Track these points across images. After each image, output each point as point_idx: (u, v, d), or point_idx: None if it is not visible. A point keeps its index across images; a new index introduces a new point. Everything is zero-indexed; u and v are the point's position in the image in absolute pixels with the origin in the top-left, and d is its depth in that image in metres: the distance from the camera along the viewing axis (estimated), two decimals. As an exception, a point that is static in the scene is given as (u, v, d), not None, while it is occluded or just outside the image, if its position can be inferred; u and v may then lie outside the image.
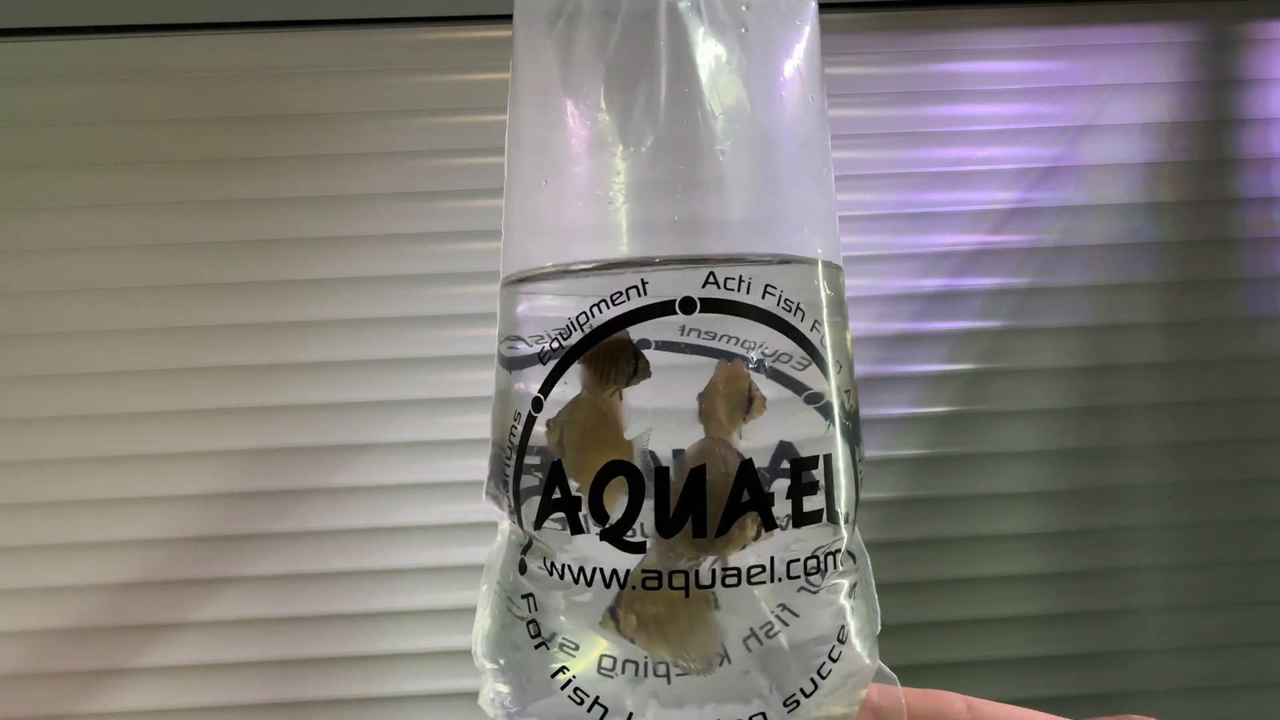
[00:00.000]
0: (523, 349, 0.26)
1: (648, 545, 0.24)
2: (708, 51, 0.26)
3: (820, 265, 0.26)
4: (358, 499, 0.63)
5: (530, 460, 0.25)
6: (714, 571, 0.24)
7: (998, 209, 0.65)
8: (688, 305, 0.24)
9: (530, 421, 0.25)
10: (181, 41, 0.63)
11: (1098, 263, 0.66)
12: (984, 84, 0.66)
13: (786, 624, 0.25)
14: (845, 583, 0.26)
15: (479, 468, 0.64)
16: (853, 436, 0.26)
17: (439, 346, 0.63)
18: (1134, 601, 0.65)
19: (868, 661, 0.26)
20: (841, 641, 0.25)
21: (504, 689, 0.26)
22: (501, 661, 0.26)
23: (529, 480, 0.25)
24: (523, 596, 0.25)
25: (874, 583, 0.27)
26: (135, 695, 0.61)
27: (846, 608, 0.26)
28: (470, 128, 0.64)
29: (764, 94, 0.26)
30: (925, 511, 0.64)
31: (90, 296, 0.62)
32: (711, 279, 0.24)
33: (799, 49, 0.27)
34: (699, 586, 0.24)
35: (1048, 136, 0.66)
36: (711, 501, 0.24)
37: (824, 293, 0.26)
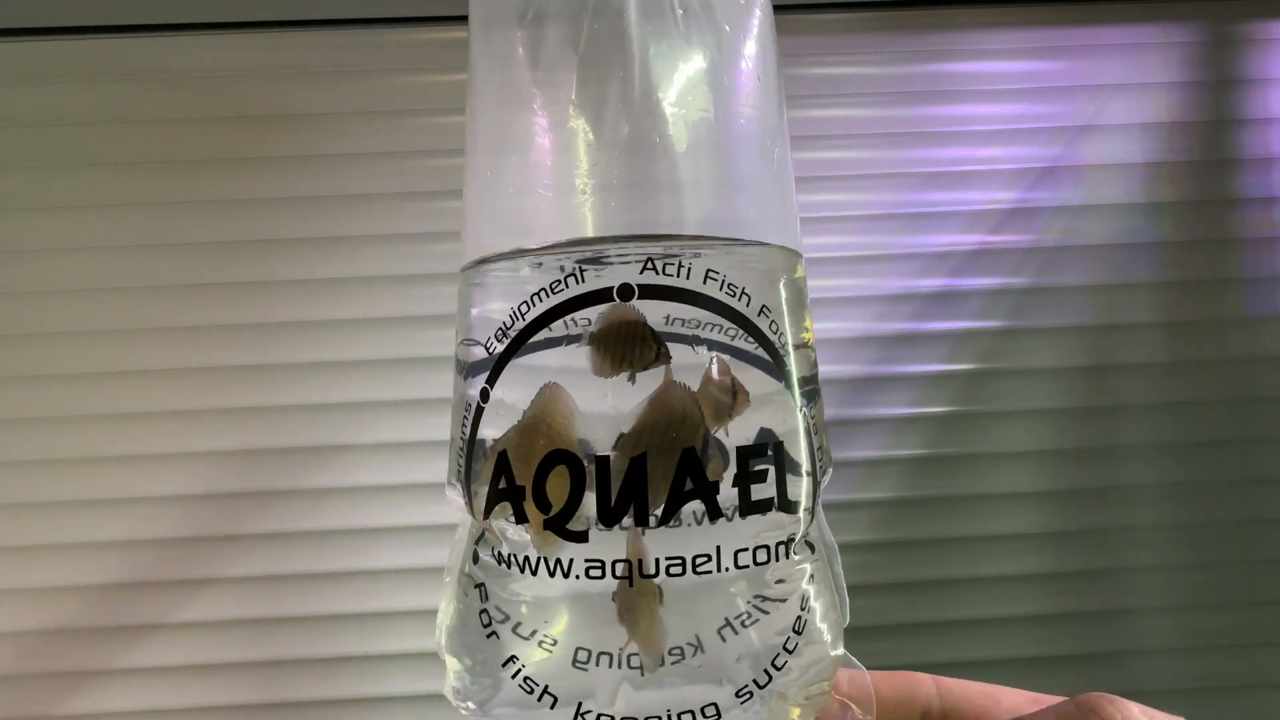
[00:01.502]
0: (472, 339, 0.26)
1: (589, 535, 0.24)
2: (646, 34, 0.25)
3: (771, 250, 0.26)
4: (358, 499, 0.63)
5: (479, 451, 0.25)
6: (657, 561, 0.24)
7: (997, 209, 0.65)
8: (626, 292, 0.24)
9: (479, 412, 0.25)
10: (181, 41, 0.63)
11: (1098, 263, 0.66)
12: (984, 84, 0.66)
13: (735, 615, 0.24)
14: (802, 573, 0.25)
15: None
16: (810, 424, 0.26)
17: (443, 346, 0.63)
18: (1134, 601, 0.65)
19: (831, 654, 0.26)
20: (798, 633, 0.25)
21: (462, 679, 0.26)
22: (459, 651, 0.26)
23: (478, 471, 0.25)
24: (475, 586, 0.25)
25: (842, 574, 0.27)
26: (130, 695, 0.61)
27: (803, 599, 0.25)
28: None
29: (709, 79, 0.26)
30: (925, 511, 0.64)
31: (90, 296, 0.62)
32: (650, 265, 0.24)
33: (749, 35, 0.27)
34: (642, 576, 0.24)
35: (1048, 136, 0.66)
36: (653, 490, 0.24)
37: (776, 278, 0.25)
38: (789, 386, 0.25)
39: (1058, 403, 0.65)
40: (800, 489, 0.25)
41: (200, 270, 0.63)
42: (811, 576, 0.26)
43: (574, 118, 0.25)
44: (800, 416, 0.25)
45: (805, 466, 0.25)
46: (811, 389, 0.26)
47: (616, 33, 0.25)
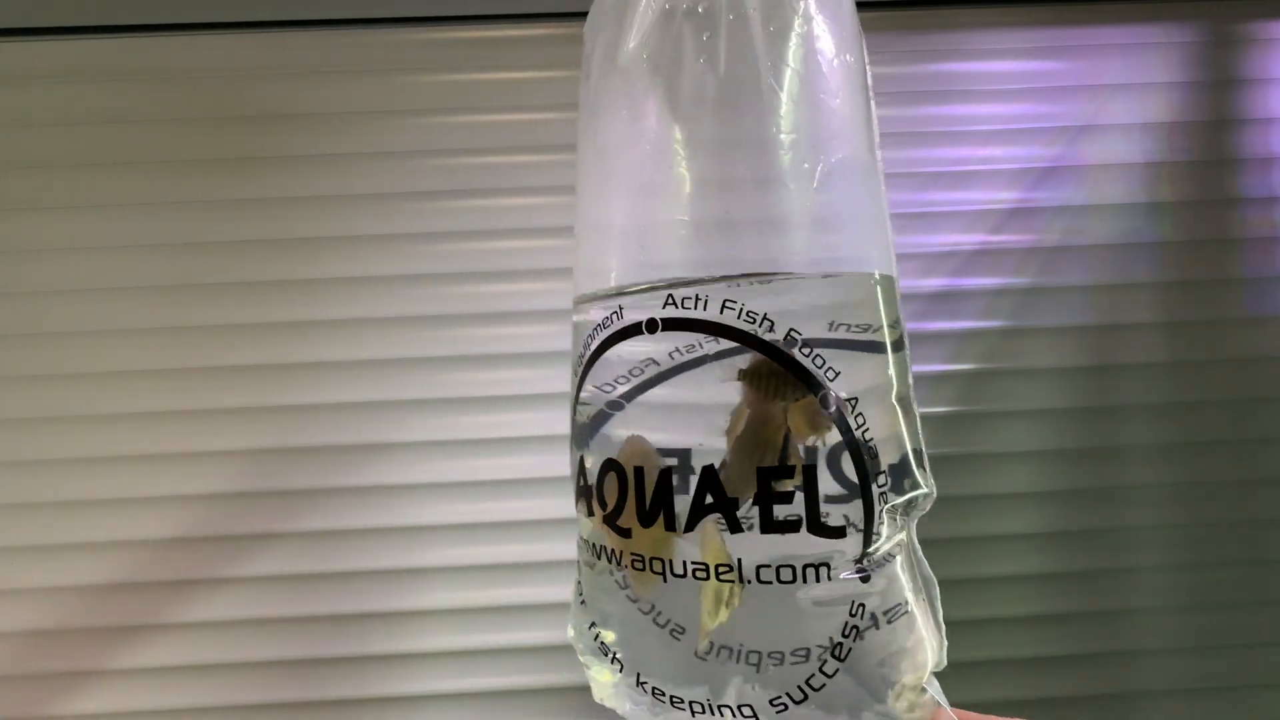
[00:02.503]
0: (573, 359, 0.30)
1: (632, 532, 0.27)
2: (769, 78, 0.27)
3: (832, 278, 0.27)
4: (363, 499, 0.63)
5: (572, 454, 0.30)
6: (684, 563, 0.26)
7: (998, 209, 0.65)
8: (651, 325, 0.27)
9: (571, 423, 0.30)
10: (181, 41, 0.63)
11: (1098, 263, 0.66)
12: (984, 84, 0.66)
13: (761, 627, 0.26)
14: (846, 596, 0.26)
15: (487, 467, 0.63)
16: (866, 445, 0.26)
17: (448, 346, 0.63)
18: (1134, 602, 0.65)
19: (905, 684, 0.26)
20: (839, 659, 0.25)
21: (572, 635, 0.30)
22: (572, 613, 0.30)
23: (572, 470, 0.30)
24: (576, 563, 0.30)
25: (940, 609, 0.26)
26: (149, 694, 0.61)
27: (845, 626, 0.25)
28: (470, 128, 0.64)
29: (821, 116, 0.27)
30: (926, 511, 0.64)
31: (90, 296, 0.62)
32: (670, 300, 0.26)
33: (854, 67, 0.28)
34: (673, 575, 0.26)
35: (1048, 136, 0.66)
36: (679, 499, 0.26)
37: (817, 302, 0.26)
38: (826, 409, 0.25)
39: (1058, 403, 0.65)
40: (845, 512, 0.25)
41: (199, 270, 0.63)
42: (862, 604, 0.26)
43: (667, 160, 0.27)
44: (845, 438, 0.25)
45: (854, 489, 0.25)
46: (870, 409, 0.26)
47: (738, 78, 0.27)
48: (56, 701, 0.61)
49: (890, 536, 0.26)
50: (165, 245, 0.63)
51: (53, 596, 0.61)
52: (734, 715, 0.26)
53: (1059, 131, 0.66)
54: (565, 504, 0.66)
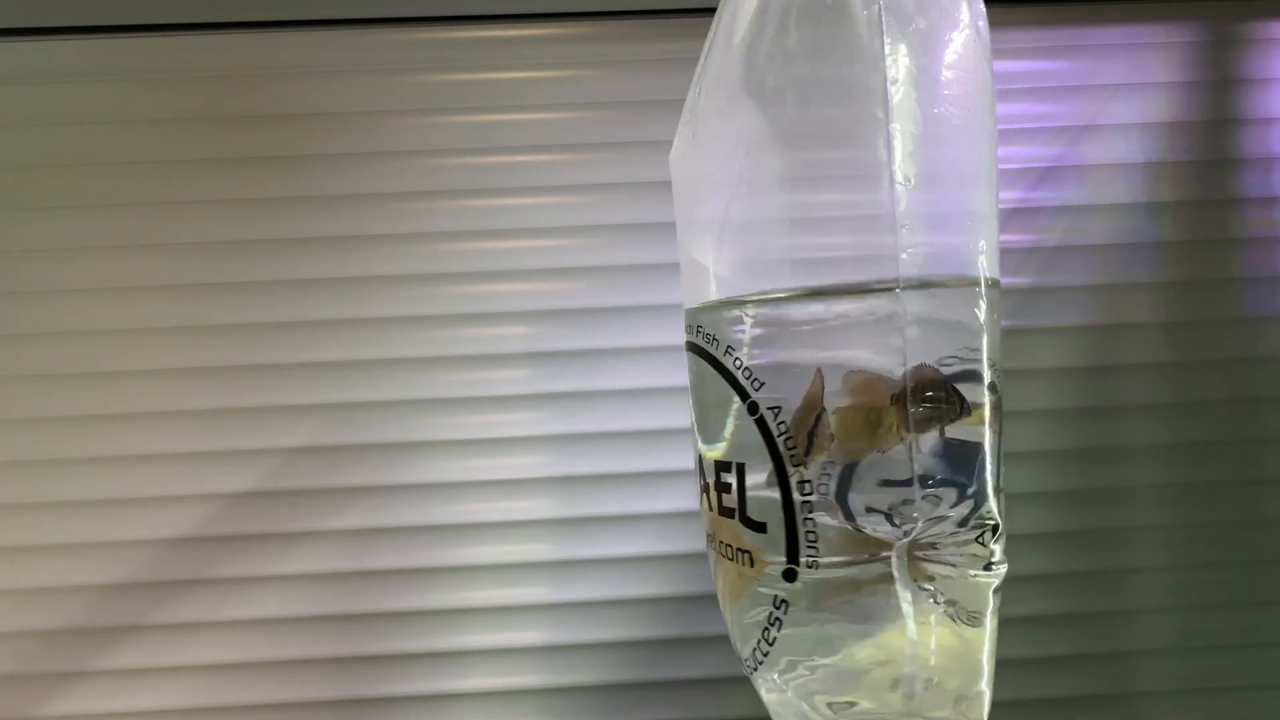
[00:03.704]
0: None
1: None
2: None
3: (730, 299, 0.29)
4: (393, 497, 0.63)
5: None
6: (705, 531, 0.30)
7: (999, 208, 0.65)
8: (686, 348, 0.31)
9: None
10: (182, 41, 0.63)
11: (1098, 262, 0.66)
12: (984, 84, 0.66)
13: (721, 595, 0.30)
14: (770, 589, 0.27)
15: (500, 466, 0.62)
16: (788, 455, 0.27)
17: (459, 346, 0.63)
18: (1135, 602, 0.65)
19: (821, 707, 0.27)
20: (767, 641, 0.27)
21: None
22: None
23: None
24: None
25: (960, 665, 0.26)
26: (179, 693, 0.62)
27: (764, 629, 0.27)
28: (470, 127, 0.64)
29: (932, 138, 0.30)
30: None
31: (90, 296, 0.62)
32: (688, 328, 0.31)
33: (984, 105, 0.30)
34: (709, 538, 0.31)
35: (1048, 136, 0.66)
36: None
37: (741, 323, 0.28)
38: (752, 414, 0.27)
39: (1058, 403, 0.65)
40: (769, 513, 0.27)
41: (199, 270, 0.63)
42: (784, 600, 0.27)
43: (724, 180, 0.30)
44: (767, 445, 0.27)
45: (782, 495, 0.27)
46: (786, 413, 0.27)
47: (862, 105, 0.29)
48: (66, 702, 0.61)
49: (842, 548, 0.27)
50: (174, 245, 0.63)
51: (56, 597, 0.61)
52: (742, 666, 0.29)
53: (1059, 131, 0.66)
54: (590, 503, 0.66)
